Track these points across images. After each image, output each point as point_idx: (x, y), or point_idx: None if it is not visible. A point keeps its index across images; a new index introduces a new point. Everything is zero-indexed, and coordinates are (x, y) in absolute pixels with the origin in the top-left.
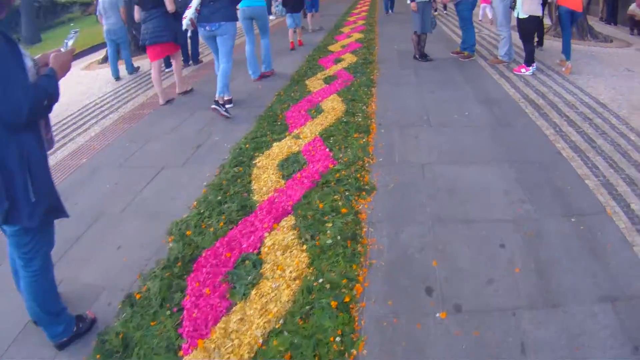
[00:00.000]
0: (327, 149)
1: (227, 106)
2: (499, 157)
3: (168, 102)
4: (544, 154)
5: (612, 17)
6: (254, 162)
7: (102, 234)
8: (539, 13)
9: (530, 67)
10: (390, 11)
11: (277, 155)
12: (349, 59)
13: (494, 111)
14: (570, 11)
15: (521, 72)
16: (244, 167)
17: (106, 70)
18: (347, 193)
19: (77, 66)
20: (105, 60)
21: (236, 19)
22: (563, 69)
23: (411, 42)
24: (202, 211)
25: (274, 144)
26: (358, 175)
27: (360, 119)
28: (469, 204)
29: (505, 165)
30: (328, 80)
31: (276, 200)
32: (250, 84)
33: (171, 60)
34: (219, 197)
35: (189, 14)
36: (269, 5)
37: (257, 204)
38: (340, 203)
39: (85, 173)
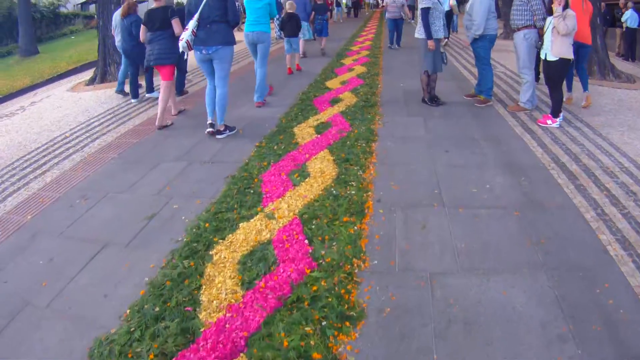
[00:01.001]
0: (306, 240)
1: (228, 132)
2: (533, 260)
3: (165, 127)
4: (587, 252)
5: (629, 53)
6: (210, 252)
7: (20, 338)
8: (570, 55)
9: (557, 119)
10: (396, 45)
11: (241, 244)
12: (348, 99)
13: (521, 183)
14: (578, 44)
15: (547, 124)
16: (197, 260)
17: (90, 94)
18: (324, 322)
19: (64, 85)
20: (92, 81)
21: (233, 43)
22: (582, 103)
23: (419, 80)
24: (132, 329)
25: (241, 224)
26: (342, 291)
27: (353, 192)
28: (494, 347)
29: (540, 275)
30: (320, 128)
31: (227, 325)
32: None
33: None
34: (157, 309)
35: (185, 36)
36: None
37: (202, 329)
38: (312, 342)
39: (25, 237)
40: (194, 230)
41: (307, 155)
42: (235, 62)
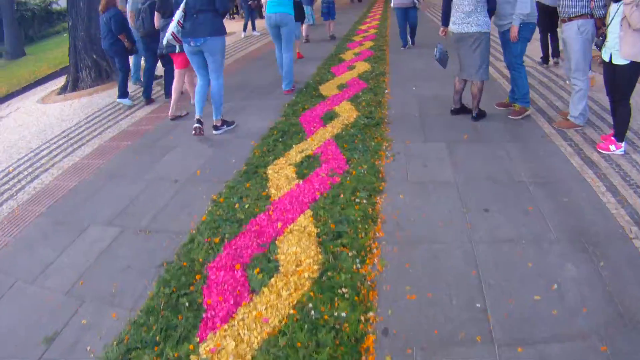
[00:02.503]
0: None
1: (225, 127)
2: None
3: (176, 117)
4: None
5: None
6: None
7: None
8: None
9: (622, 143)
10: (410, 43)
11: None
12: (346, 114)
13: (603, 276)
14: None
15: (610, 150)
16: None
17: (56, 107)
18: None
19: (38, 94)
20: (64, 90)
21: (224, 33)
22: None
23: (445, 83)
24: None
25: None
26: None
27: (343, 314)
28: None
29: None
30: (304, 167)
31: None
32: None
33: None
34: None
35: (171, 27)
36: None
37: None
38: None
39: None
40: None
41: (279, 225)
42: None
